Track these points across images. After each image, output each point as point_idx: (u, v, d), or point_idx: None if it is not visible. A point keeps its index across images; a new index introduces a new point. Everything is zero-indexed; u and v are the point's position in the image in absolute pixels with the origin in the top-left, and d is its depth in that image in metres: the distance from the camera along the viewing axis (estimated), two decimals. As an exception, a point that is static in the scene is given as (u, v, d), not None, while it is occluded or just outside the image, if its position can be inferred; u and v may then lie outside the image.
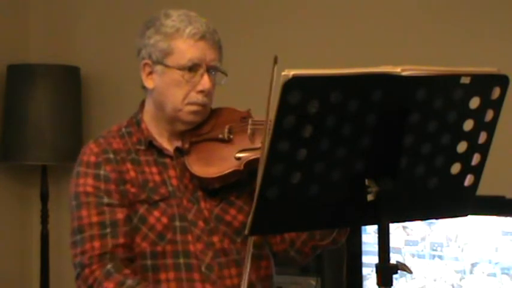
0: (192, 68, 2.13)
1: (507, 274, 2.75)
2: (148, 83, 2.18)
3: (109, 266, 2.05)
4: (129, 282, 2.03)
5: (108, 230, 2.08)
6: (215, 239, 2.12)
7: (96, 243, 2.07)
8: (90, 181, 2.12)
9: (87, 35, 3.92)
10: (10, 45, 3.85)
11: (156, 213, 2.11)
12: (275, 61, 1.80)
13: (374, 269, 1.66)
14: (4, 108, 3.71)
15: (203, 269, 2.09)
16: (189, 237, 2.10)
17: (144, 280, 2.07)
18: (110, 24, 3.86)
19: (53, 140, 3.62)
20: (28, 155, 3.63)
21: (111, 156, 2.14)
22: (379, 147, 1.61)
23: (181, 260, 2.09)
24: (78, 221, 2.11)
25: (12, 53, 3.83)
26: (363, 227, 2.85)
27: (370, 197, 1.63)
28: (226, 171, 2.10)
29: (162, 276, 2.08)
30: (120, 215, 2.09)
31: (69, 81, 3.72)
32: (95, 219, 2.09)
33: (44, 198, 3.74)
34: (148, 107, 2.22)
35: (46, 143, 3.62)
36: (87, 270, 2.06)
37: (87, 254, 2.07)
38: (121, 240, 2.08)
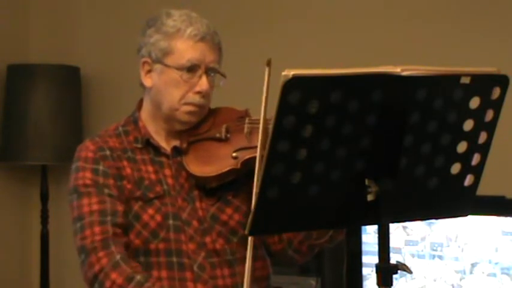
0: (191, 69, 2.13)
1: (507, 274, 2.75)
2: (147, 81, 2.18)
3: (118, 257, 2.02)
4: (138, 277, 2.00)
5: (109, 218, 2.07)
6: (208, 239, 2.12)
7: (97, 229, 2.06)
8: (88, 175, 2.12)
9: (87, 35, 3.92)
10: (10, 45, 3.85)
11: (150, 210, 2.11)
12: (268, 64, 1.79)
13: (374, 269, 1.66)
14: (4, 108, 3.71)
15: (195, 268, 2.09)
16: (182, 237, 2.10)
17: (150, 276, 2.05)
18: (110, 24, 3.86)
19: (53, 140, 3.62)
20: (28, 155, 3.63)
21: (108, 153, 2.14)
22: (379, 147, 1.61)
23: (174, 259, 2.09)
24: (78, 210, 2.10)
25: (12, 53, 3.83)
26: (363, 227, 2.85)
27: (370, 197, 1.63)
28: (223, 170, 2.10)
29: (155, 274, 2.08)
30: (120, 207, 2.08)
31: (69, 81, 3.72)
32: (95, 207, 2.08)
33: (44, 198, 3.74)
34: (146, 106, 2.22)
35: (46, 143, 3.62)
36: (93, 257, 2.04)
37: (88, 239, 2.05)
38: (120, 231, 2.07)
